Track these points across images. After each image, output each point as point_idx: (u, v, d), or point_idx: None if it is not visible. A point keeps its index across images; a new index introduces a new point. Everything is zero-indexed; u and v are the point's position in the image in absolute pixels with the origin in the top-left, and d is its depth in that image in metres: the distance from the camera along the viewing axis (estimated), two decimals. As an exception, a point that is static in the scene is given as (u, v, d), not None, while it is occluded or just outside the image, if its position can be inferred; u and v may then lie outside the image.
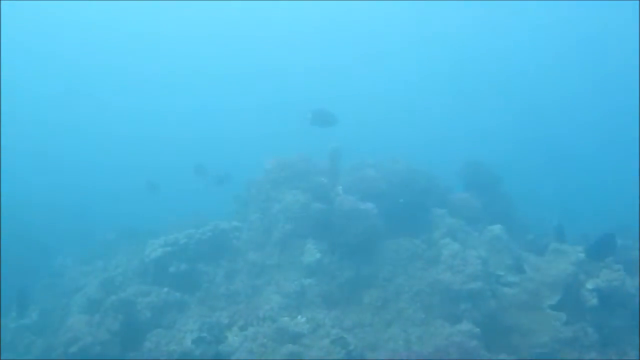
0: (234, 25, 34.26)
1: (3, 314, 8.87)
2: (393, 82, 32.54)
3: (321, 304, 6.23)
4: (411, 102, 30.34)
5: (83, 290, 6.88)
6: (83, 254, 9.71)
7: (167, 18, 34.09)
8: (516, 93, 31.19)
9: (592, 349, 5.54)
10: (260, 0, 32.05)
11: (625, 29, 28.10)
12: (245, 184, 8.82)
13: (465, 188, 8.95)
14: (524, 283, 6.16)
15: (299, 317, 5.98)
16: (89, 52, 33.32)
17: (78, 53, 33.11)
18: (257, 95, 32.08)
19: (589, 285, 5.99)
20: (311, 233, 6.72)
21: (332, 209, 6.78)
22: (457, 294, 5.87)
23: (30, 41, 31.55)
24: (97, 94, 31.98)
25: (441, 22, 31.94)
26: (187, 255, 7.63)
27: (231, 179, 10.04)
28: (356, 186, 8.04)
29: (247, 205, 8.33)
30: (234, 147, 23.41)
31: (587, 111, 30.84)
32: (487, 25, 31.49)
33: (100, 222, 14.26)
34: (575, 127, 28.52)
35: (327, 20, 33.32)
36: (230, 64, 34.49)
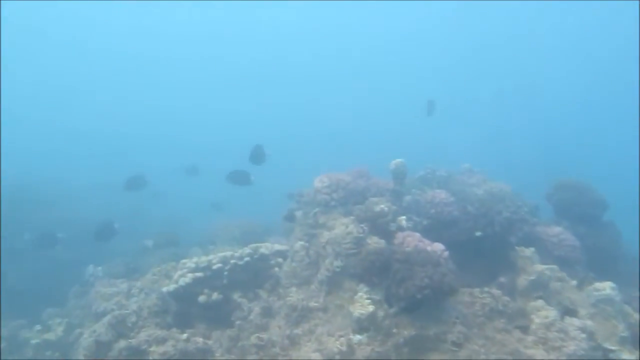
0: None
1: (27, 327, 8.23)
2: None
3: (373, 369, 4.99)
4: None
5: (93, 328, 5.92)
6: (116, 265, 8.89)
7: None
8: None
9: None
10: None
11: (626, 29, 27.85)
12: (294, 198, 7.64)
13: (556, 217, 7.40)
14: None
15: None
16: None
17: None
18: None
19: None
20: (365, 276, 5.43)
21: (392, 248, 5.48)
22: (552, 379, 4.47)
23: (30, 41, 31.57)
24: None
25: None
26: (220, 282, 6.59)
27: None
28: (422, 211, 6.71)
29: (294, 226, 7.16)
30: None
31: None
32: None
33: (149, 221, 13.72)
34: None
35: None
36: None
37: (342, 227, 5.81)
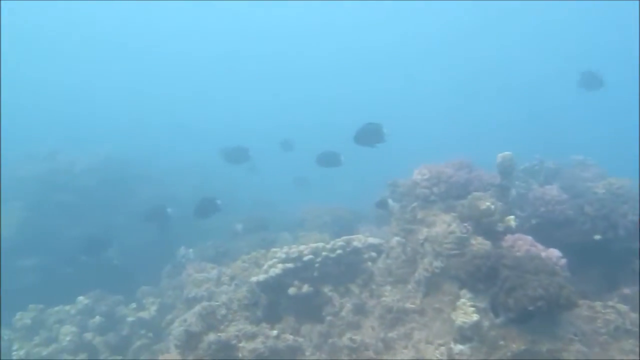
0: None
1: (124, 304, 8.50)
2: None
3: (475, 384, 4.58)
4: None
5: (184, 317, 5.89)
6: (206, 248, 8.96)
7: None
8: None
9: None
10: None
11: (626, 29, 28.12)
12: (390, 188, 7.23)
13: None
14: None
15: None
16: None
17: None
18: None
19: None
20: (468, 281, 4.98)
21: (500, 251, 4.97)
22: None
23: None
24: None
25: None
26: (311, 274, 6.39)
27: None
28: (529, 207, 6.12)
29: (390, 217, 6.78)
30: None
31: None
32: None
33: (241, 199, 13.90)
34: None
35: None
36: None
37: (444, 225, 5.37)
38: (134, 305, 8.20)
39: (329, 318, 5.95)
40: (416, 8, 34.19)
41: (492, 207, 5.39)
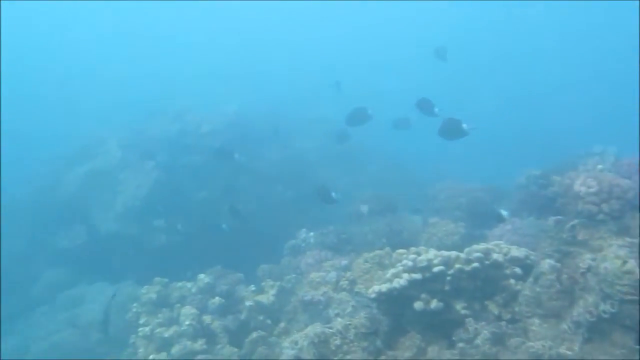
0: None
1: (244, 283, 8.37)
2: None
3: None
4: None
5: (295, 337, 5.38)
6: (328, 232, 8.41)
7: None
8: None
9: None
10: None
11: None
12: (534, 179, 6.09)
13: None
14: None
15: None
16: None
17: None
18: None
19: None
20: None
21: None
22: None
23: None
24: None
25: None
26: (441, 287, 5.58)
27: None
28: None
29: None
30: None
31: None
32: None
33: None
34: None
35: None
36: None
37: (616, 261, 4.21)
38: (252, 287, 8.00)
39: (460, 345, 5.15)
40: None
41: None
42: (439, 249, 7.72)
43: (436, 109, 7.53)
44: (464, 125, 6.58)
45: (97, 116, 17.29)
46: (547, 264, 4.93)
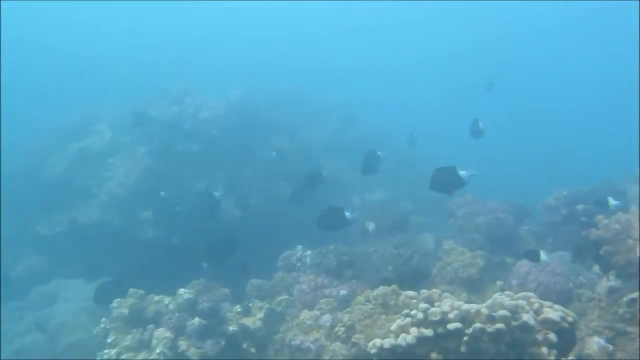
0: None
1: (231, 300, 7.45)
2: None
3: None
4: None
5: None
6: (327, 252, 7.36)
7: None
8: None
9: None
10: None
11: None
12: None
13: None
14: None
15: None
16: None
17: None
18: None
19: None
20: None
21: None
22: None
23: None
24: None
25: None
26: (456, 346, 4.60)
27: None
28: None
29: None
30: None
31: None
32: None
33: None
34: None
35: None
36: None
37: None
38: (238, 308, 7.07)
39: None
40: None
41: None
42: (452, 283, 6.78)
43: (480, 124, 7.64)
44: (462, 173, 5.43)
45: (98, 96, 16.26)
46: (594, 344, 3.91)
